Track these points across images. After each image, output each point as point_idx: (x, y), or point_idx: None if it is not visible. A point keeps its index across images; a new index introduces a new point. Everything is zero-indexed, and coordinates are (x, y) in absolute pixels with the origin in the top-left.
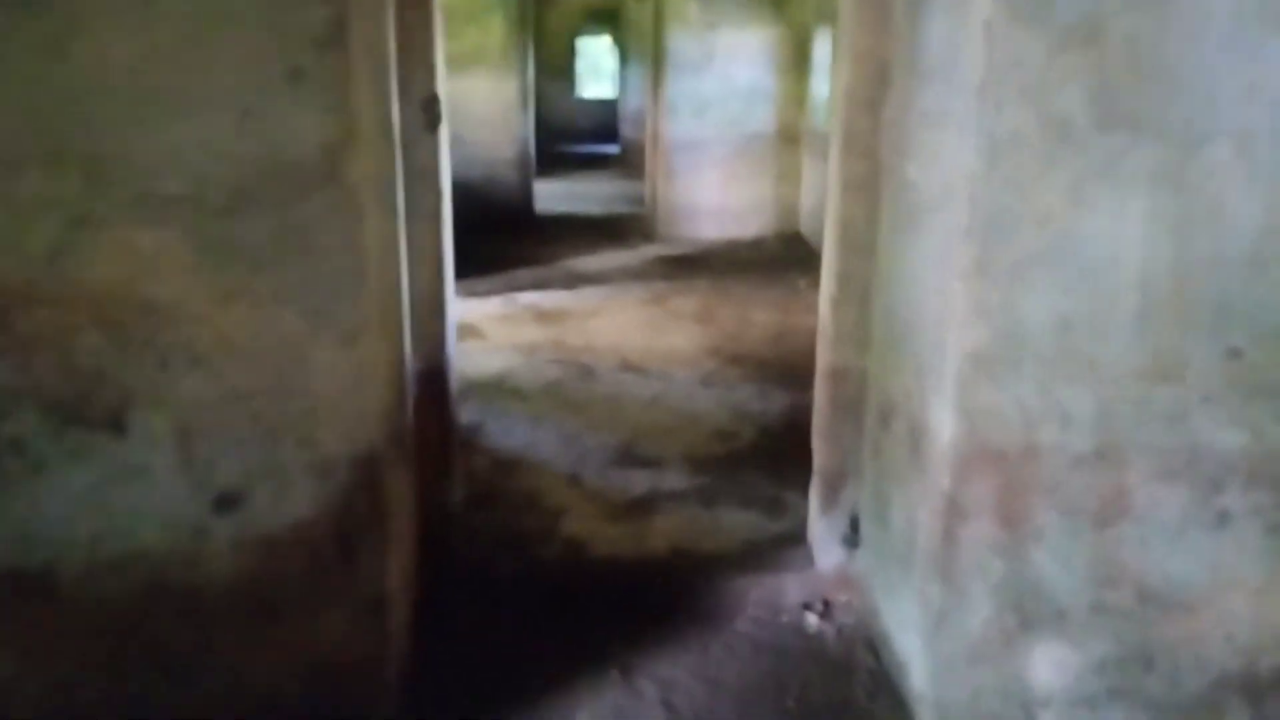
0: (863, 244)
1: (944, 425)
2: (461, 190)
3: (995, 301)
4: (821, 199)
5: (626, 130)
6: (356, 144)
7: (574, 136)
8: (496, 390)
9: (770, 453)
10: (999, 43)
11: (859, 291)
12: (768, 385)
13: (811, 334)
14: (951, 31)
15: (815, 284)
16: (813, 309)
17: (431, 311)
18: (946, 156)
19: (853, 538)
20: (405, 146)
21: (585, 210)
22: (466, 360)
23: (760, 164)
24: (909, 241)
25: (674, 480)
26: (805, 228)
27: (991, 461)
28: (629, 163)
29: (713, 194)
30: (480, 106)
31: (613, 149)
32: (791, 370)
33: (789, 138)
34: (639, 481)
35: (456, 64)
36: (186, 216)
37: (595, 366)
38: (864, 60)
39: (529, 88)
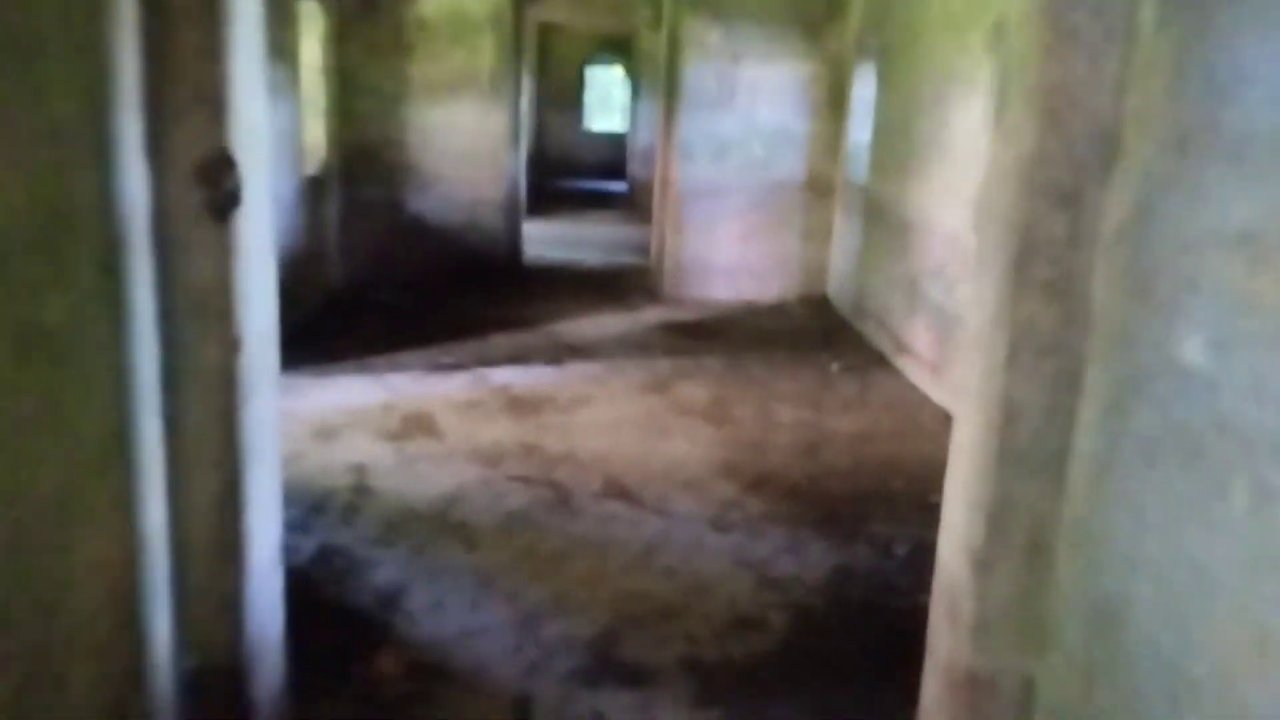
0: (1041, 455)
1: None
2: (436, 236)
3: None
4: (855, 260)
5: (635, 168)
6: None
7: (578, 172)
8: (438, 527)
9: (813, 660)
10: None
11: (1027, 541)
12: (802, 530)
13: (852, 444)
14: None
15: (850, 367)
16: (850, 405)
17: (217, 564)
18: None
19: None
20: (166, 250)
21: (582, 261)
22: (408, 473)
23: (785, 217)
24: (1173, 484)
25: (671, 717)
26: (834, 291)
27: None
28: (636, 204)
29: (729, 250)
30: (463, 139)
31: (620, 187)
32: (830, 504)
33: (819, 189)
34: (619, 717)
35: (436, 90)
36: None
37: (574, 490)
38: (1064, 117)
39: (521, 120)
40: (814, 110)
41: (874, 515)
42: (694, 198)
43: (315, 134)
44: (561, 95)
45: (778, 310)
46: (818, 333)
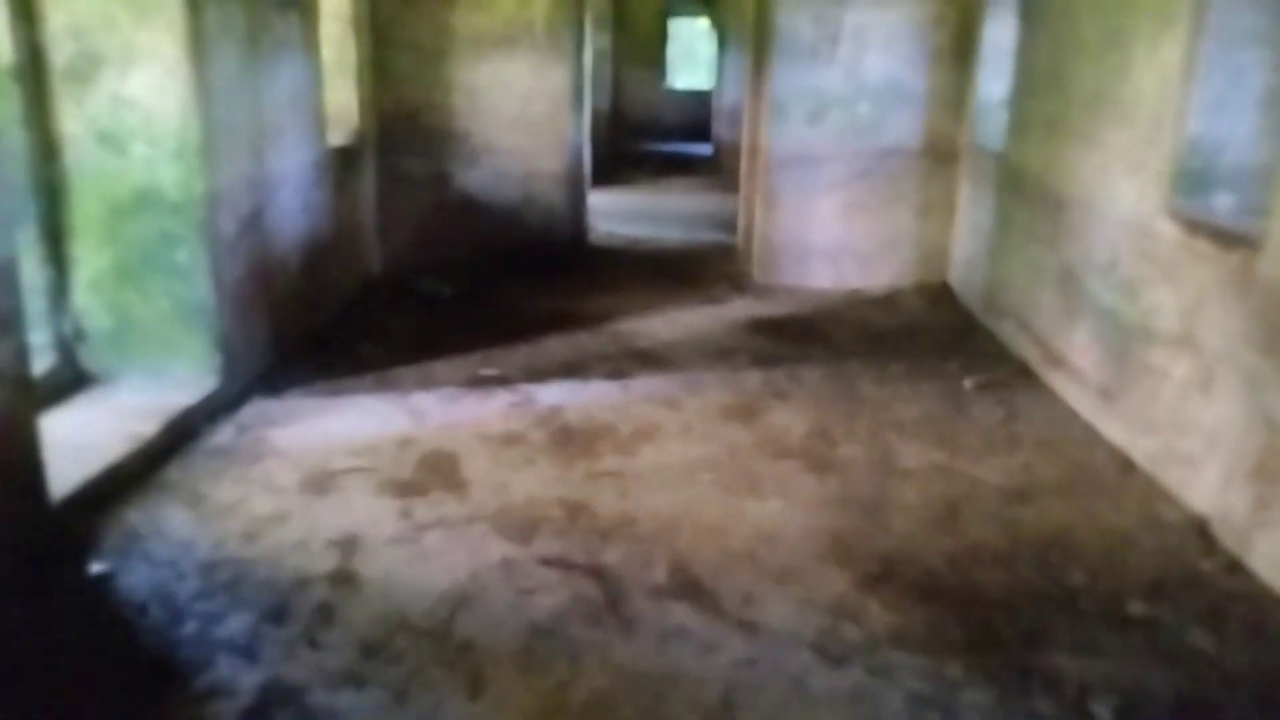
0: None
1: None
2: (487, 215)
3: None
4: (987, 244)
5: (721, 129)
6: None
7: (660, 133)
8: (434, 650)
9: None
10: None
11: None
12: (948, 663)
13: (1003, 505)
14: None
15: (988, 384)
16: (994, 441)
17: None
18: None
19: None
20: None
21: (658, 239)
22: (410, 551)
23: (898, 190)
24: None
25: None
26: (958, 279)
27: None
28: (722, 168)
29: (829, 229)
30: (516, 102)
31: (704, 150)
32: (984, 613)
33: (940, 156)
34: None
35: (484, 44)
36: None
37: (627, 583)
38: None
39: (585, 78)
40: (934, 60)
41: (1050, 636)
42: (788, 167)
43: (344, 97)
44: (641, 50)
45: (888, 302)
46: (940, 333)
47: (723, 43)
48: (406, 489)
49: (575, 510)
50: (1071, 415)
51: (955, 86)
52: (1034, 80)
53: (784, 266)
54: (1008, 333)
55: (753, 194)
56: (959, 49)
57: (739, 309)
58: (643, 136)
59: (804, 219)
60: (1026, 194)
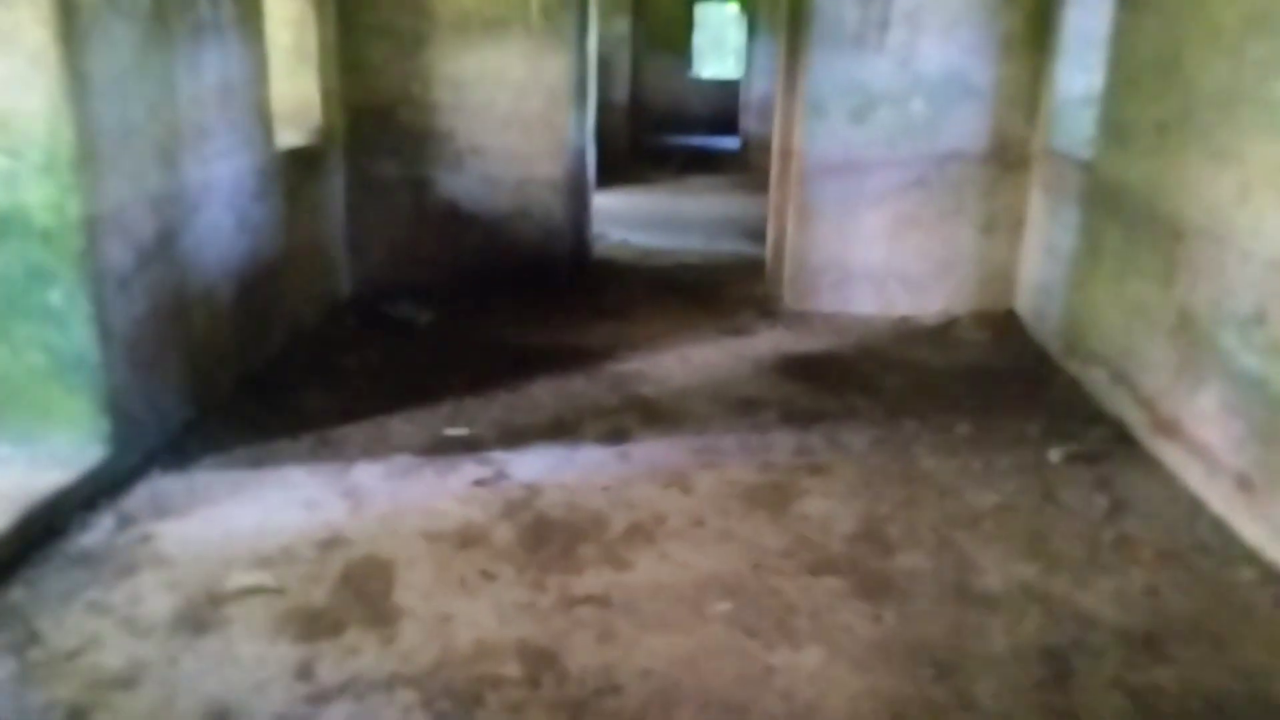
0: None
1: None
2: (473, 228)
3: None
4: (1068, 269)
5: (750, 122)
6: None
7: (684, 126)
8: None
9: None
10: None
11: None
12: None
13: (1129, 662)
14: None
15: (1080, 455)
16: (1099, 548)
17: None
18: None
19: None
20: None
21: (675, 251)
22: None
23: (957, 201)
24: None
25: None
26: (1028, 309)
27: None
28: (750, 164)
29: (875, 246)
30: (507, 97)
31: (731, 144)
32: None
33: (1008, 161)
34: None
35: (470, 29)
36: None
37: None
38: None
39: (589, 67)
40: (1004, 47)
41: None
42: (826, 174)
43: (305, 89)
44: (664, 37)
45: (945, 335)
46: (1010, 379)
47: (753, 29)
48: (315, 625)
49: (539, 663)
50: (1196, 507)
51: (1028, 79)
52: (1137, 73)
53: (821, 290)
54: (1097, 384)
55: (784, 204)
56: (1033, 34)
57: (767, 343)
58: (666, 129)
59: (845, 235)
60: (1125, 215)
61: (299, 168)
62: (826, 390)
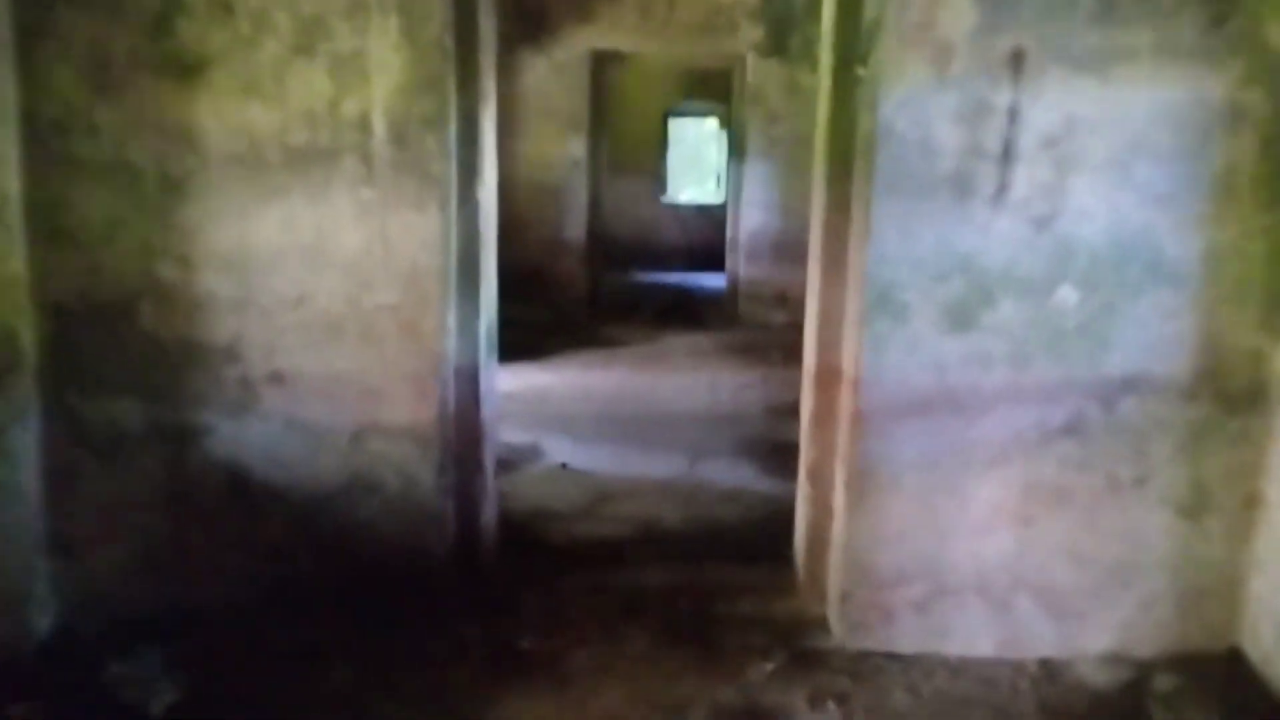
0: None
1: None
2: (276, 513)
3: None
4: None
5: (739, 264)
6: None
7: (657, 260)
8: None
9: None
10: None
11: None
12: None
13: None
14: None
15: None
16: None
17: None
18: None
19: None
20: None
21: (640, 487)
22: None
23: (1137, 463)
24: None
25: None
26: (1265, 648)
27: None
28: (741, 317)
29: (992, 540)
30: (334, 284)
31: (715, 282)
32: None
33: (1231, 393)
34: None
35: (261, 163)
36: None
37: None
38: None
39: (484, 221)
40: (1220, 195)
41: None
42: (903, 414)
43: None
44: (631, 156)
45: (1126, 710)
46: None
47: (737, 148)
48: None
49: None
50: None
51: (1265, 251)
52: None
53: (896, 614)
54: None
55: (827, 463)
56: (1273, 172)
57: None
58: (634, 264)
59: (937, 519)
60: None
61: None
62: None
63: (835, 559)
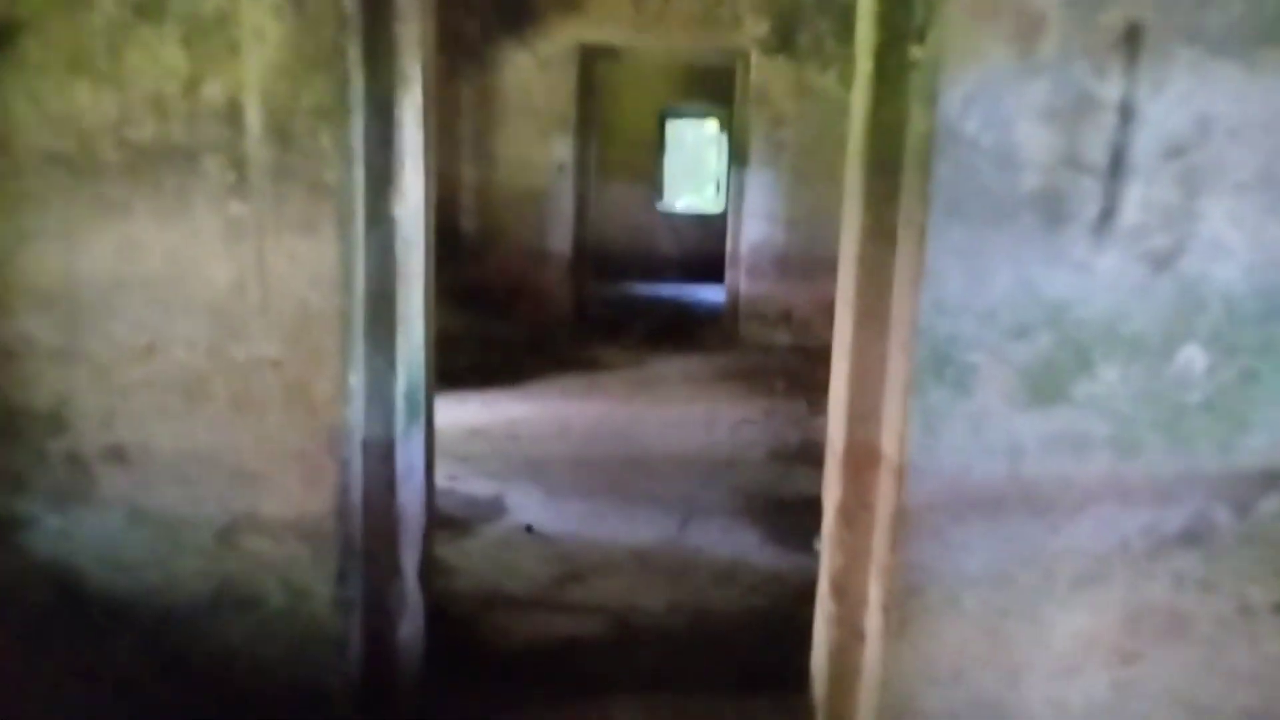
0: None
1: None
2: (119, 637)
3: None
4: None
5: (740, 280)
6: None
7: (653, 270)
8: None
9: None
10: None
11: None
12: None
13: None
14: None
15: None
16: None
17: None
18: None
19: None
20: None
21: (620, 561)
22: None
23: (1277, 583)
24: None
25: None
26: None
27: None
28: (741, 338)
29: (1080, 681)
30: (194, 329)
31: (713, 296)
32: None
33: None
34: None
35: (100, 169)
36: None
37: None
38: None
39: (399, 252)
40: None
41: None
42: (963, 512)
43: None
44: (625, 160)
45: None
46: None
47: (738, 154)
48: None
49: None
50: None
51: None
52: None
53: None
54: None
55: (857, 578)
56: None
57: None
58: (627, 275)
59: (1006, 655)
60: None
61: None
62: None
63: (867, 700)
